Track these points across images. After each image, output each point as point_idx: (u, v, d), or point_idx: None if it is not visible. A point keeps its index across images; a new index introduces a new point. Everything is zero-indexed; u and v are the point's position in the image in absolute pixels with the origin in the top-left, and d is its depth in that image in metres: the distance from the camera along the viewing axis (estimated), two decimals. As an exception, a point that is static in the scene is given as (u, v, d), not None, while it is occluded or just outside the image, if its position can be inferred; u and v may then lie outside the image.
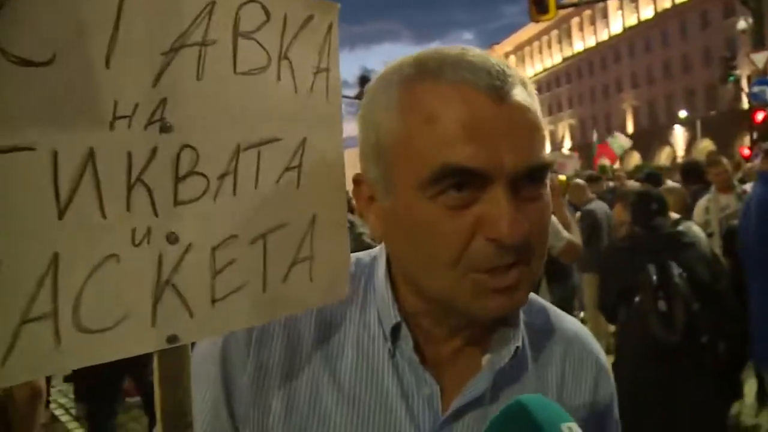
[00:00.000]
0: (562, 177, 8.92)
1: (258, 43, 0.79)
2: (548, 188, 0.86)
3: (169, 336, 0.73)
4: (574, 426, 0.74)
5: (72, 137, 0.64)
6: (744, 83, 27.16)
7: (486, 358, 0.94)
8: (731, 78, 22.11)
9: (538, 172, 0.81)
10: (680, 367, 3.72)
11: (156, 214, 0.71)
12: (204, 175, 0.75)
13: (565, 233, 4.46)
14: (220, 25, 0.75)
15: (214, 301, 0.76)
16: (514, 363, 0.94)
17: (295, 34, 0.83)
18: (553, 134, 76.97)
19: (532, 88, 0.85)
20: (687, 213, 5.70)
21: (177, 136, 0.72)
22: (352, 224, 7.54)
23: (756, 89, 15.64)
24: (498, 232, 0.77)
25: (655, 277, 3.68)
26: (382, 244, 0.97)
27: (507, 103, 0.79)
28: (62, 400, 6.71)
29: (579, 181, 8.60)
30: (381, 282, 0.95)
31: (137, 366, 4.40)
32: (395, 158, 0.83)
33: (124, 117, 0.67)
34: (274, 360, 0.92)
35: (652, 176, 8.40)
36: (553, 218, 4.43)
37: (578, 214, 7.21)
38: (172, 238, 0.72)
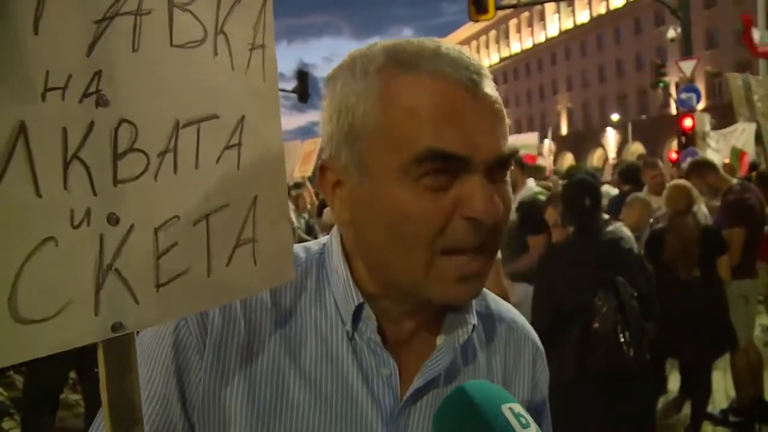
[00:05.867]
0: None
1: (193, 15, 0.76)
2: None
3: (114, 324, 0.68)
4: (516, 406, 0.75)
5: (0, 109, 0.59)
6: (673, 89, 28.09)
7: (441, 339, 0.97)
8: (661, 84, 22.80)
9: (507, 159, 0.88)
10: (623, 387, 3.70)
11: (95, 194, 0.66)
12: (144, 152, 0.70)
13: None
14: None
15: (158, 286, 0.73)
16: (465, 344, 1.00)
17: (230, 8, 0.80)
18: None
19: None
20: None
21: (114, 110, 0.67)
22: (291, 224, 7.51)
23: (683, 96, 16.24)
24: (475, 210, 0.82)
25: (604, 302, 3.58)
26: (332, 231, 1.00)
27: (482, 96, 0.85)
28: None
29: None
30: (337, 266, 0.96)
31: (86, 360, 4.27)
32: (374, 144, 0.86)
33: (57, 89, 0.63)
34: (234, 346, 0.92)
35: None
36: None
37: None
38: (113, 219, 0.68)
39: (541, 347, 1.13)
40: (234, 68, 0.81)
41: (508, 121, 0.90)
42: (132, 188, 0.70)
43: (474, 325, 0.97)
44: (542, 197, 5.36)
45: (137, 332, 0.74)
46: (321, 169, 0.94)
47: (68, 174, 0.64)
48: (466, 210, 0.83)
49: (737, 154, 9.70)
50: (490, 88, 0.87)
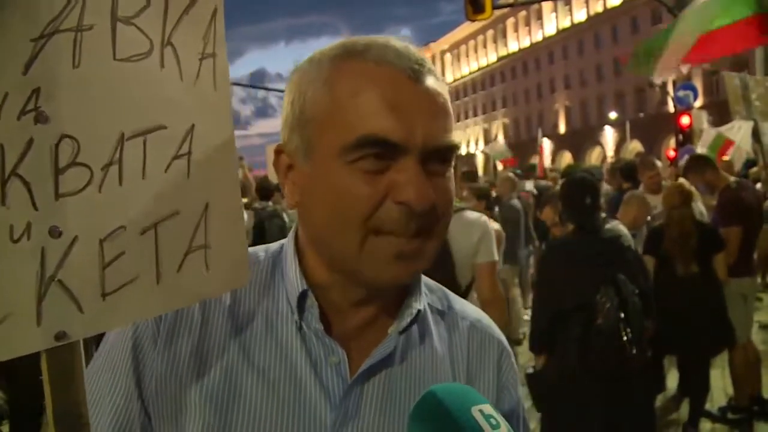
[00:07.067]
0: None
1: (138, 28, 0.76)
2: (452, 169, 0.94)
3: (57, 333, 0.70)
4: (486, 407, 0.76)
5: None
6: (670, 87, 28.08)
7: (392, 328, 0.99)
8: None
9: (446, 151, 0.91)
10: (624, 383, 3.72)
11: (36, 208, 0.68)
12: (87, 166, 0.72)
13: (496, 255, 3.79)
14: (96, 10, 0.72)
15: (104, 294, 0.74)
16: (420, 330, 1.03)
17: (177, 19, 0.80)
18: (486, 132, 77.98)
19: (442, 80, 0.95)
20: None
21: (54, 126, 0.69)
22: (284, 222, 7.50)
23: (681, 93, 16.27)
24: (407, 196, 0.85)
25: (607, 299, 3.59)
26: (291, 231, 1.04)
27: (423, 86, 0.89)
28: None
29: (510, 174, 8.89)
30: (290, 261, 0.99)
31: None
32: (320, 127, 0.90)
33: (-8, 107, 0.64)
34: (186, 334, 0.95)
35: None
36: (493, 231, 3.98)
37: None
38: (55, 232, 0.70)
39: (509, 348, 1.13)
40: (183, 79, 0.82)
41: (452, 116, 0.93)
42: (75, 201, 0.71)
43: (419, 311, 0.99)
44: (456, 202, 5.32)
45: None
46: (276, 153, 0.98)
47: (6, 191, 0.65)
48: (398, 195, 0.86)
49: (721, 143, 9.65)
50: (432, 81, 0.90)
